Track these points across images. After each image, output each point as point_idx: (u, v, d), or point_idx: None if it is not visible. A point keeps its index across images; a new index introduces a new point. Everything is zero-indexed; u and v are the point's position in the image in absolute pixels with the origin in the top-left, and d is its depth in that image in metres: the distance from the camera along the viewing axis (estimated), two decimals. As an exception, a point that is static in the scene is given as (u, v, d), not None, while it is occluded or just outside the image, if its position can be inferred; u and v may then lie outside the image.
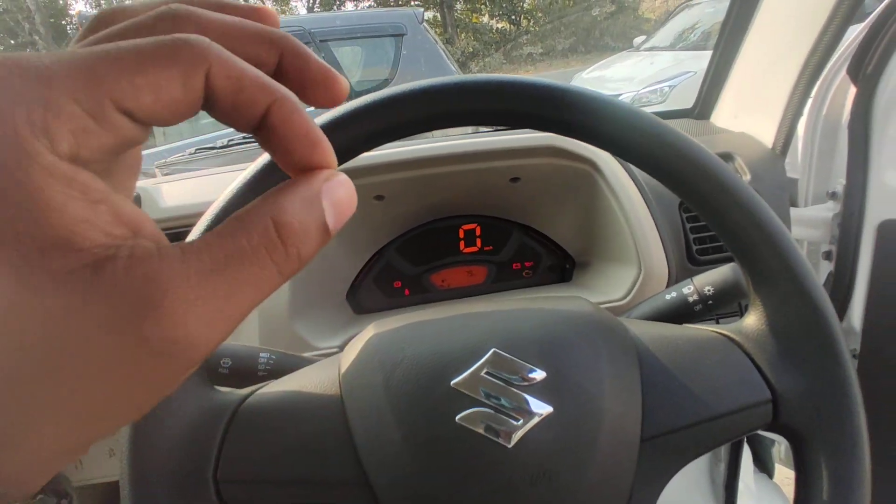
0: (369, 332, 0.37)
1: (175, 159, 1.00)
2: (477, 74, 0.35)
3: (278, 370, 0.47)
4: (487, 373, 0.32)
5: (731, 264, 0.49)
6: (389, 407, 0.32)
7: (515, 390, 0.32)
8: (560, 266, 0.74)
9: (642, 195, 0.64)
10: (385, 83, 3.02)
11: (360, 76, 3.20)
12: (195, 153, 1.00)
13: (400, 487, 0.32)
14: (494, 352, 0.33)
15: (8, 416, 0.13)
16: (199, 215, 0.62)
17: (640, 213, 0.63)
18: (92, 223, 0.13)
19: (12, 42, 9.54)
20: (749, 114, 0.84)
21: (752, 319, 0.37)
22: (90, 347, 0.13)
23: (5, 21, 9.16)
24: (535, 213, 0.72)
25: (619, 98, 0.36)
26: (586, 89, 0.35)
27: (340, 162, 0.35)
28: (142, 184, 0.65)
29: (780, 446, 1.03)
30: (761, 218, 0.34)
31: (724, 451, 0.91)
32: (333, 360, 0.38)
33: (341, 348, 0.62)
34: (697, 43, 4.92)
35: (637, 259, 0.63)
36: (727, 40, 0.85)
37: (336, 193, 0.17)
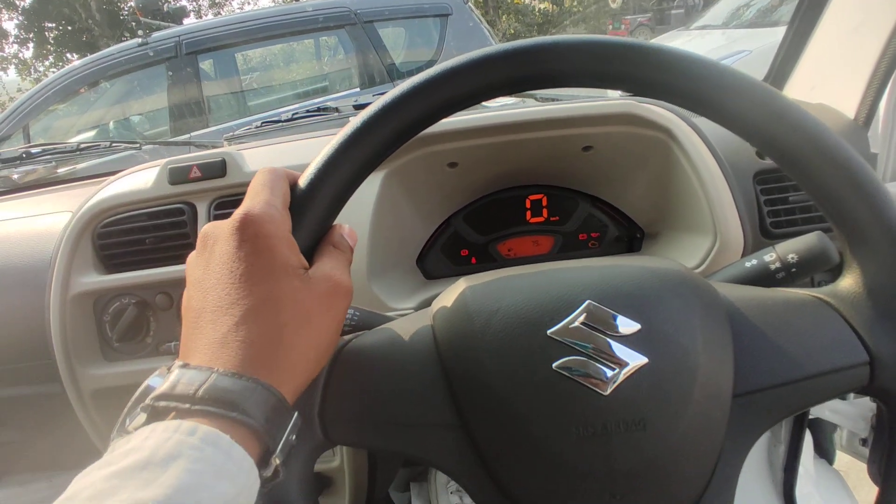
0: (461, 285, 0.38)
1: (243, 132, 1.04)
2: (569, 35, 0.35)
3: (362, 325, 0.49)
4: (583, 323, 0.33)
5: (817, 232, 0.48)
6: (487, 354, 0.33)
7: (610, 340, 0.32)
8: (628, 237, 0.74)
9: (719, 164, 0.63)
10: (430, 64, 2.99)
11: (403, 56, 3.20)
12: (262, 126, 1.04)
13: (496, 430, 0.33)
14: (589, 303, 0.34)
15: (295, 340, 0.31)
16: None
17: (717, 182, 0.62)
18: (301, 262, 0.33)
19: (69, 28, 9.94)
20: (828, 85, 0.81)
21: (848, 282, 0.37)
22: (316, 304, 0.33)
23: (63, 9, 9.53)
24: (605, 182, 0.71)
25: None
26: (675, 49, 0.35)
27: (423, 128, 0.36)
28: (226, 150, 0.68)
29: (843, 432, 1.00)
30: (861, 178, 0.33)
31: (784, 433, 0.89)
32: (425, 312, 0.40)
33: (416, 310, 0.64)
34: (753, 20, 4.69)
35: (713, 228, 0.62)
36: (807, 7, 0.81)
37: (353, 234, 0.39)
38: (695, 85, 0.34)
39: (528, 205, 0.74)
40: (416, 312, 0.42)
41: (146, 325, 0.67)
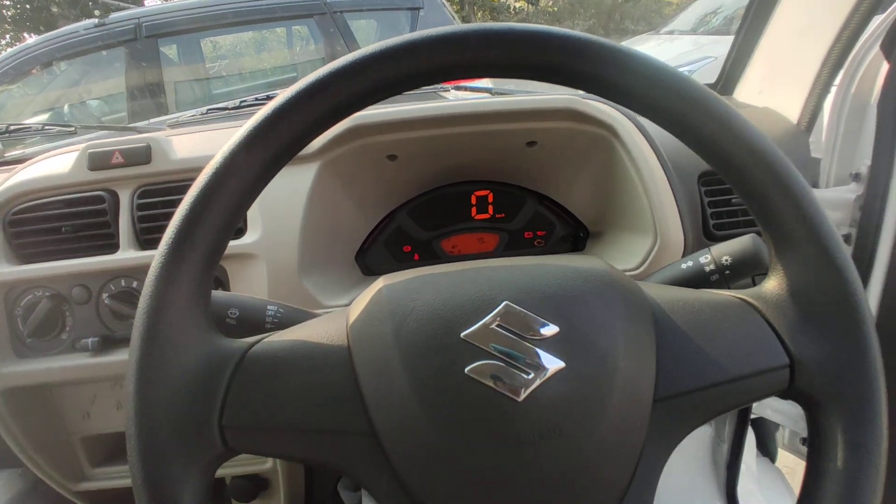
0: (378, 283, 0.36)
1: (187, 119, 0.99)
2: (501, 23, 0.34)
3: (286, 323, 0.46)
4: (499, 325, 0.32)
5: (751, 234, 0.48)
6: (398, 357, 0.32)
7: (527, 344, 0.31)
8: (573, 236, 0.73)
9: (661, 164, 0.62)
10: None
11: (374, 47, 3.16)
12: (207, 113, 0.99)
13: (407, 438, 0.31)
14: (506, 304, 0.32)
15: None
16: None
17: (658, 183, 0.61)
18: None
19: (27, 7, 9.50)
20: (774, 90, 0.82)
21: (772, 284, 0.36)
22: None
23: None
24: (550, 180, 0.70)
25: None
26: (609, 42, 0.33)
27: (353, 111, 0.34)
28: (153, 135, 0.64)
29: (785, 431, 1.02)
30: (788, 180, 0.33)
31: (727, 431, 0.90)
32: (342, 312, 0.38)
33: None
34: (719, 28, 4.79)
35: (653, 229, 0.62)
36: (755, 13, 0.82)
37: None
38: (619, 75, 0.33)
39: (473, 201, 0.73)
40: (332, 312, 0.40)
41: (61, 319, 0.63)
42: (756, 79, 0.86)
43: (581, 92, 0.62)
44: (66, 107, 3.14)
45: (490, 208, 0.73)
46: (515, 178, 0.72)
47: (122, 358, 0.62)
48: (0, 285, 0.62)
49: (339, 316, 0.37)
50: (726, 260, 0.47)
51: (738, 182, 0.34)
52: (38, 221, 0.62)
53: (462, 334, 0.31)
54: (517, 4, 10.57)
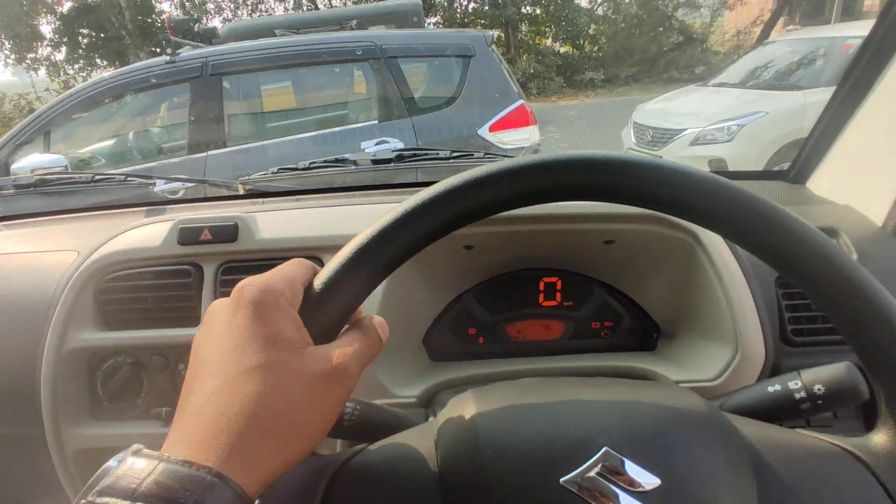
0: (469, 405, 0.36)
1: (258, 177, 1.03)
2: (588, 151, 0.35)
3: (363, 420, 0.47)
4: (598, 473, 0.31)
5: (847, 364, 0.46)
6: (494, 496, 0.31)
7: (628, 496, 0.30)
8: (641, 331, 0.72)
9: (742, 271, 0.61)
10: (451, 101, 3.06)
11: (424, 92, 3.26)
12: (277, 172, 1.03)
13: None
14: (606, 451, 0.32)
15: (271, 422, 0.27)
16: (291, 249, 0.63)
17: (739, 291, 0.60)
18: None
19: (102, 36, 10.22)
20: (858, 185, 0.79)
21: (883, 438, 0.35)
22: (307, 384, 0.29)
23: (98, 17, 9.81)
24: (623, 274, 0.69)
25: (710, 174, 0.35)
26: (684, 165, 0.34)
27: (466, 223, 0.35)
28: (237, 213, 0.67)
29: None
30: (881, 304, 0.31)
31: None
32: (430, 428, 0.38)
33: (419, 400, 0.61)
34: (770, 82, 4.74)
35: (733, 339, 0.60)
36: (844, 98, 0.79)
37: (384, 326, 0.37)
38: (705, 203, 0.33)
39: (541, 287, 0.72)
40: (421, 427, 0.40)
41: (139, 386, 0.65)
42: (835, 171, 0.84)
43: None
44: (130, 134, 3.33)
45: (558, 295, 0.72)
46: (587, 270, 0.71)
47: None
48: (86, 350, 0.64)
49: (429, 433, 0.37)
50: (819, 389, 0.45)
51: (827, 306, 0.33)
52: (126, 290, 0.65)
53: (561, 480, 0.31)
54: (562, 49, 10.75)
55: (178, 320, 0.65)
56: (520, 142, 2.96)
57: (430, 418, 0.54)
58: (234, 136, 2.99)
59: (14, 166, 2.52)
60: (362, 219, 0.68)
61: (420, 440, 0.36)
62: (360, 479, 0.34)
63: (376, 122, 3.05)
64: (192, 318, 0.65)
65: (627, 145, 4.49)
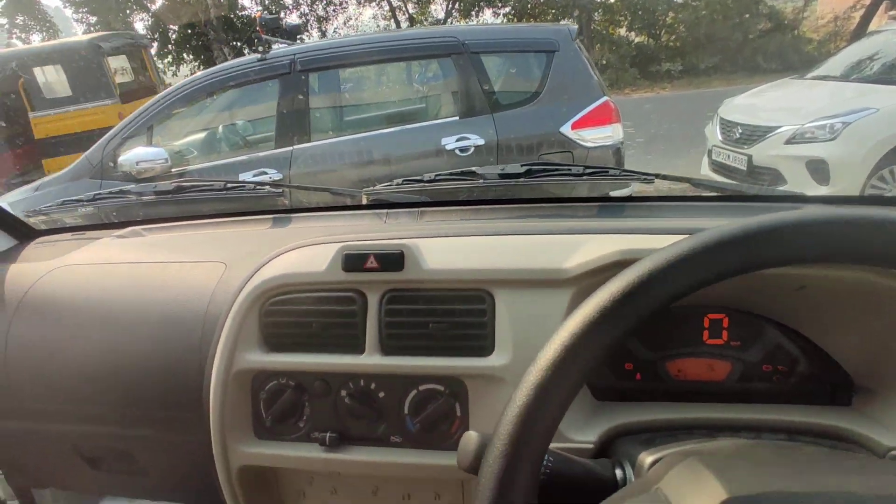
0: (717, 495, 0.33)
1: (382, 188, 1.04)
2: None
3: (556, 472, 0.46)
4: None
5: None
6: None
7: None
8: (825, 381, 0.65)
9: None
10: (533, 97, 3.00)
11: (506, 87, 3.21)
12: (402, 183, 1.03)
13: None
14: None
15: None
16: (460, 281, 0.61)
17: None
18: None
19: (188, 31, 10.83)
20: None
21: None
22: None
23: (185, 13, 10.38)
24: (809, 318, 0.63)
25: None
26: None
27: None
28: (402, 241, 0.66)
29: None
30: None
31: None
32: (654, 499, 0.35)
33: (595, 446, 0.59)
34: (879, 76, 4.32)
35: None
36: None
37: None
38: None
39: (706, 324, 0.67)
40: (644, 498, 0.37)
41: (301, 409, 0.66)
42: None
43: None
44: (220, 128, 3.50)
45: (724, 334, 0.67)
46: (757, 308, 0.65)
47: (351, 457, 0.64)
48: (252, 371, 0.66)
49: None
50: None
51: None
52: (291, 314, 0.66)
53: None
54: (638, 39, 10.30)
55: (340, 346, 0.65)
56: (602, 140, 2.86)
57: (618, 471, 0.52)
58: (317, 130, 3.07)
59: (121, 158, 2.70)
60: (533, 249, 0.66)
61: None
62: None
63: (457, 118, 3.03)
64: (355, 345, 0.65)
65: (713, 142, 4.23)
